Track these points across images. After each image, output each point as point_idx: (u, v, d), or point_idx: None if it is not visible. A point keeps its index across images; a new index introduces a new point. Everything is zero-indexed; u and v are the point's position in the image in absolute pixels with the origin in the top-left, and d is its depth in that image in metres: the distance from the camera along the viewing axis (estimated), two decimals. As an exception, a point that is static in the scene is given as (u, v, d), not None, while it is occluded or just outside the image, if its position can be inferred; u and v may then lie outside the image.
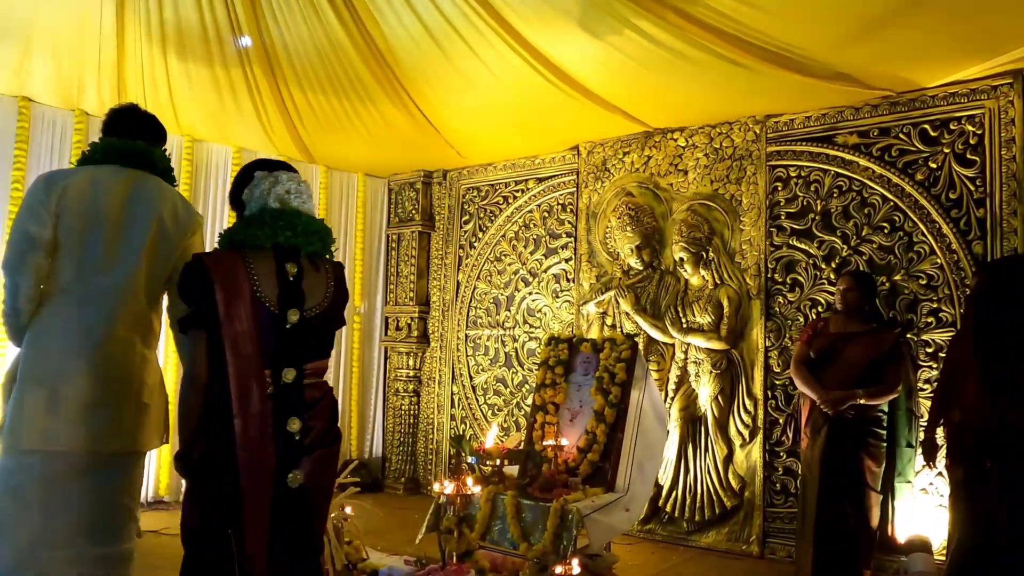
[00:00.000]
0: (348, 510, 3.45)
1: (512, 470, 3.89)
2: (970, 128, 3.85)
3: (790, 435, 4.06)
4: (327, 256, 2.02)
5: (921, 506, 3.78)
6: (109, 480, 2.28)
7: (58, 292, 2.29)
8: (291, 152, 5.74)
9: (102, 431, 2.25)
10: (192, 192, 5.37)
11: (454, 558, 2.80)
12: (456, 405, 5.83)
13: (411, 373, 6.03)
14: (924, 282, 3.94)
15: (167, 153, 2.62)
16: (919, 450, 3.67)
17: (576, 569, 2.75)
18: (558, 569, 2.70)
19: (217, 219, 5.51)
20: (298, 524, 1.86)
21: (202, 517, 1.82)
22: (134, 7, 4.03)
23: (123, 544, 2.33)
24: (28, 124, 4.64)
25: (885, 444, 3.73)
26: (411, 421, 6.01)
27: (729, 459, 4.44)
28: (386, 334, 6.22)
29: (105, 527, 2.28)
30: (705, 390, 4.53)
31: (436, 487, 3.16)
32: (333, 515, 3.11)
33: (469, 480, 3.44)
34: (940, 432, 3.58)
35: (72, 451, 2.23)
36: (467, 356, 5.79)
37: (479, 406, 5.68)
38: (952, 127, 3.91)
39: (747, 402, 4.41)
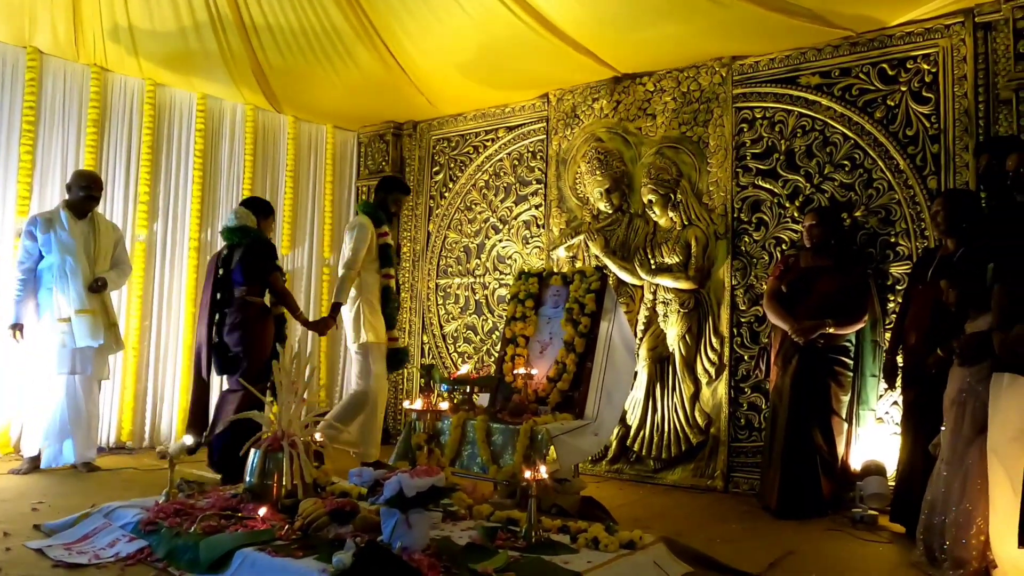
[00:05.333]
0: (318, 436, 3.45)
1: (482, 400, 3.92)
2: (925, 67, 3.96)
3: (763, 368, 4.16)
4: (243, 243, 4.17)
5: (877, 433, 3.90)
6: None
7: None
8: (258, 101, 5.65)
9: None
10: (154, 139, 5.24)
11: (424, 470, 2.82)
12: (427, 355, 5.83)
13: (381, 325, 6.01)
14: (882, 216, 4.06)
15: None
16: (881, 378, 3.80)
17: (544, 473, 2.79)
18: (527, 474, 2.73)
19: (181, 167, 5.39)
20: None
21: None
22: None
23: None
24: (-25, 59, 4.46)
25: (851, 374, 3.87)
26: (381, 374, 5.99)
27: (696, 397, 4.52)
28: (356, 287, 6.18)
29: None
30: (673, 330, 4.60)
31: (407, 404, 3.17)
32: (302, 435, 3.12)
33: (442, 404, 3.46)
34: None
35: None
36: (437, 305, 5.79)
37: (449, 355, 5.69)
38: (909, 66, 4.02)
39: (714, 340, 4.49)
